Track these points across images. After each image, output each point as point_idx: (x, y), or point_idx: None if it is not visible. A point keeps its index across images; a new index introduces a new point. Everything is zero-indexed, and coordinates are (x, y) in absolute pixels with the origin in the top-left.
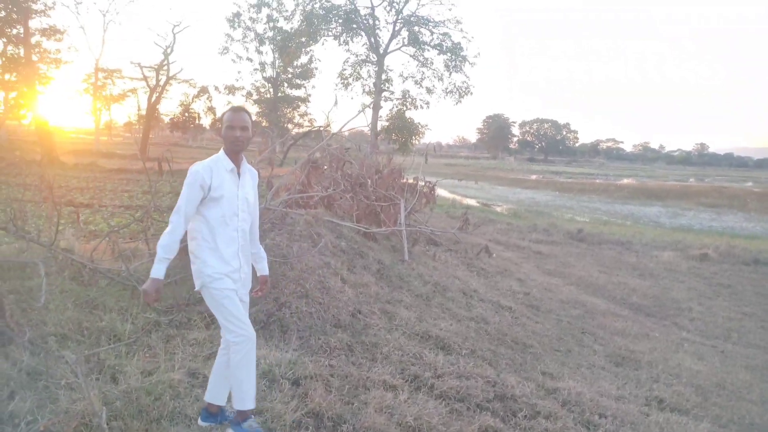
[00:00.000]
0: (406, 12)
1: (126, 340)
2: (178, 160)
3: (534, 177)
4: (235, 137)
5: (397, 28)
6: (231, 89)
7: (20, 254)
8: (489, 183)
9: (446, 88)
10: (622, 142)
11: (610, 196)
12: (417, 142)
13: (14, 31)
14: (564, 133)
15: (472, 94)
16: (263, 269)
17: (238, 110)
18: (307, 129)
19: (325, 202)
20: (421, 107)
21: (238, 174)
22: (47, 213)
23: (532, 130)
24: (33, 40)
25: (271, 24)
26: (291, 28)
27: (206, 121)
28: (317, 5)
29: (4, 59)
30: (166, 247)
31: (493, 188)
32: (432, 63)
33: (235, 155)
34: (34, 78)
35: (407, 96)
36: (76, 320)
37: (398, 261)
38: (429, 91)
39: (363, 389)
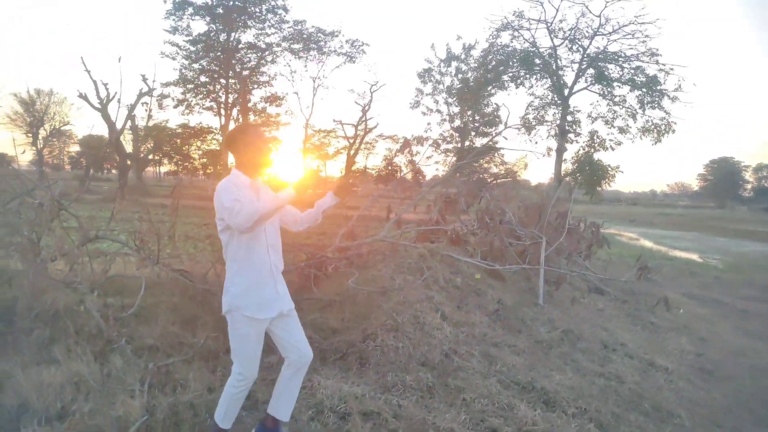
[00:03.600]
0: (593, 49)
1: (187, 354)
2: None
3: None
4: (270, 150)
5: (583, 67)
6: (420, 140)
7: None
8: (709, 234)
9: (642, 127)
10: None
11: None
12: (607, 186)
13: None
14: None
15: (674, 132)
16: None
17: (263, 126)
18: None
19: (452, 237)
20: (611, 148)
21: (257, 189)
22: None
23: None
24: (259, 106)
25: (460, 76)
26: (472, 77)
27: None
28: (497, 51)
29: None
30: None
31: (713, 240)
32: (625, 100)
33: (259, 169)
34: None
35: (595, 137)
36: (174, 335)
37: (531, 304)
38: (622, 130)
39: None
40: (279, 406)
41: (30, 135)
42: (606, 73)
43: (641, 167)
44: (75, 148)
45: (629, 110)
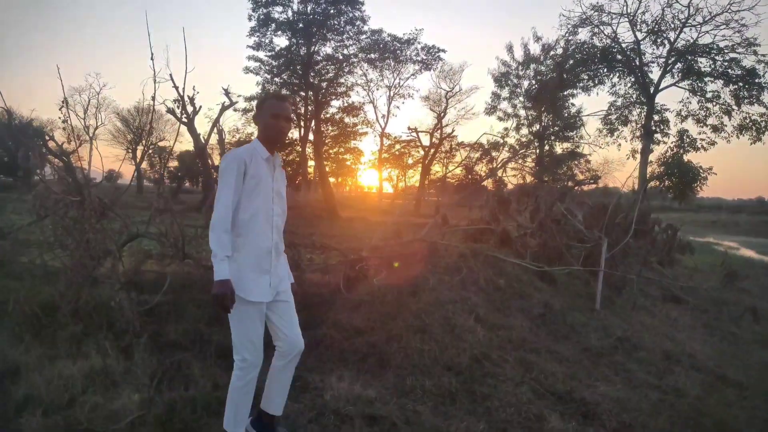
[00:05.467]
0: (681, 42)
1: (203, 351)
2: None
3: None
4: (280, 127)
5: (670, 62)
6: (494, 146)
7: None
8: None
9: (738, 125)
10: None
11: None
12: (700, 190)
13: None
14: None
15: None
16: (290, 276)
17: (283, 99)
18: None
19: (501, 238)
20: (703, 149)
21: (273, 165)
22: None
23: None
24: (337, 116)
25: (539, 78)
26: (549, 78)
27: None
28: (575, 49)
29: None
30: (224, 244)
31: None
32: (719, 96)
33: (273, 145)
34: (322, 148)
35: (685, 136)
36: (198, 332)
37: (586, 309)
38: (716, 129)
39: None
40: (271, 400)
41: (130, 151)
42: (696, 67)
43: (748, 173)
44: (175, 163)
45: (723, 107)
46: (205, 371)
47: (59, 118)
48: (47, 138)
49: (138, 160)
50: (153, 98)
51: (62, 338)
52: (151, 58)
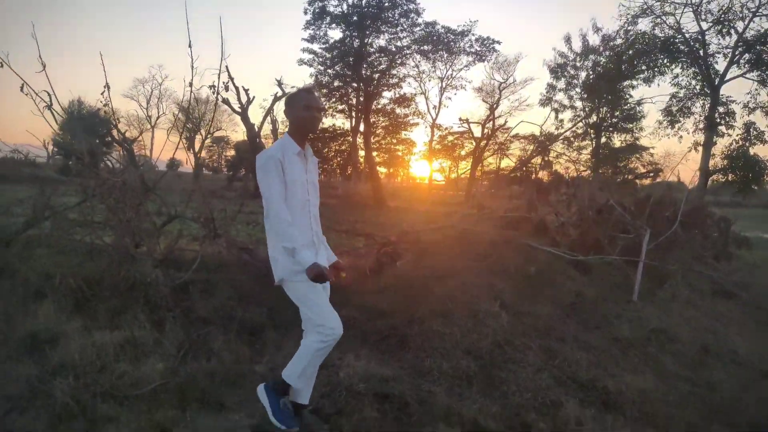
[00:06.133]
0: (750, 32)
1: (231, 326)
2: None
3: None
4: (314, 117)
5: (737, 52)
6: (549, 137)
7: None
8: None
9: None
10: None
11: None
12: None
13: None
14: None
15: None
16: (331, 256)
17: (312, 91)
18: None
19: (538, 227)
20: None
21: (305, 158)
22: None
23: None
24: (388, 108)
25: (597, 70)
26: (606, 68)
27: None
28: (636, 40)
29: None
30: (294, 236)
31: None
32: None
33: (304, 138)
34: (371, 139)
35: (752, 129)
36: (227, 309)
37: (622, 300)
38: None
39: (442, 423)
40: (299, 389)
41: (187, 140)
42: (766, 57)
43: None
44: (232, 152)
45: None
46: (229, 346)
47: (100, 101)
48: (111, 127)
49: (195, 150)
50: (191, 84)
51: (102, 311)
52: (189, 46)
